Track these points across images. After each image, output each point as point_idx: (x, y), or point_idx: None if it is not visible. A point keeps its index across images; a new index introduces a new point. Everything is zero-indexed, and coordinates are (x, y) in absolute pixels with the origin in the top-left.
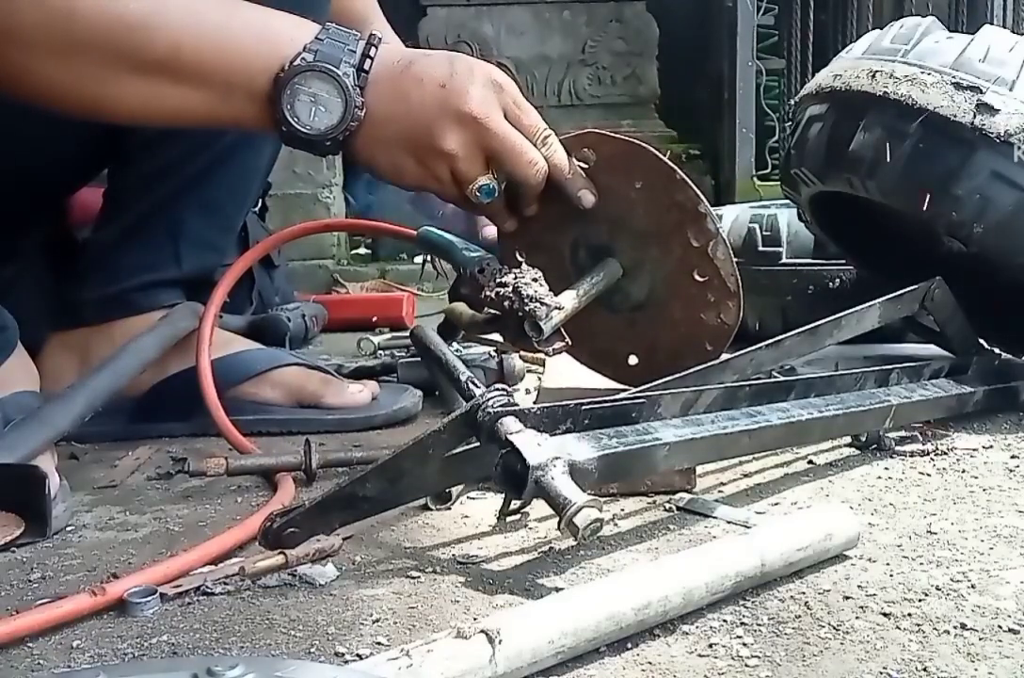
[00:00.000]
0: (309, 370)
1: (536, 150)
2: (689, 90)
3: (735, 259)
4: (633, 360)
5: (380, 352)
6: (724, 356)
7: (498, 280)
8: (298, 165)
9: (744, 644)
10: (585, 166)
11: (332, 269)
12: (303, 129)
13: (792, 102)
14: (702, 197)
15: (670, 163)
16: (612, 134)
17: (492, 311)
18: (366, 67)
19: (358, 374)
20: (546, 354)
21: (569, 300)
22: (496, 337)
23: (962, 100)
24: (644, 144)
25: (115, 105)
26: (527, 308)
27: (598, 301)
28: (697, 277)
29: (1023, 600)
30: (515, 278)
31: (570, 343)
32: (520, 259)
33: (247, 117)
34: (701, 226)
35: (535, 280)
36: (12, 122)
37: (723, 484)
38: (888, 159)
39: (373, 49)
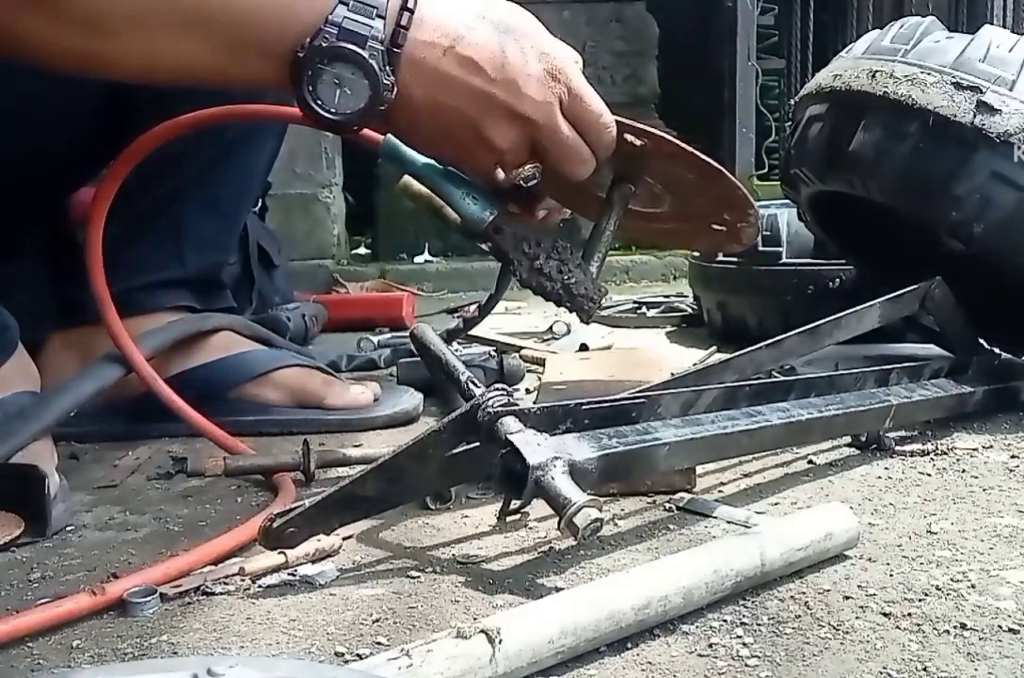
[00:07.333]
0: (311, 371)
1: (587, 149)
2: (689, 90)
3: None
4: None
5: (379, 350)
6: (724, 356)
7: (538, 266)
8: (298, 165)
9: (744, 644)
10: (636, 144)
11: (332, 269)
12: (327, 114)
13: (792, 102)
14: (755, 205)
15: (739, 183)
16: (683, 145)
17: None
18: (399, 41)
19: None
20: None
21: (599, 264)
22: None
23: (962, 100)
24: (711, 161)
25: (111, 61)
26: (579, 306)
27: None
28: (714, 226)
29: (1023, 600)
30: (560, 271)
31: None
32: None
33: (266, 80)
34: (742, 213)
35: (578, 267)
36: (12, 118)
37: (723, 484)
38: (888, 159)
39: (407, 15)
